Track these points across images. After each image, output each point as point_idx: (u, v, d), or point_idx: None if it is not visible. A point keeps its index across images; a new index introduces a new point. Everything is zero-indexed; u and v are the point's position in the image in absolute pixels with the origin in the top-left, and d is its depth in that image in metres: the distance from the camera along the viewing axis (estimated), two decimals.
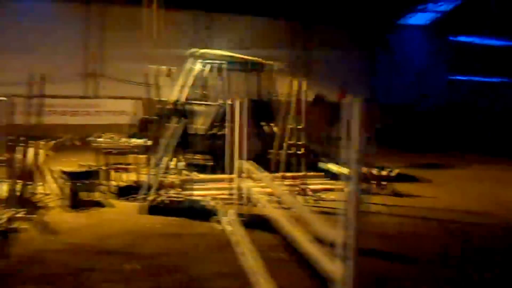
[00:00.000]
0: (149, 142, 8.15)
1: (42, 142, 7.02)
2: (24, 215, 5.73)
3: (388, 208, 7.08)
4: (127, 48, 15.69)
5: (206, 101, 9.78)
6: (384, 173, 8.35)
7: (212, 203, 6.68)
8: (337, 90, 14.80)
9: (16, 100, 6.36)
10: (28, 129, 6.50)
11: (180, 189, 7.11)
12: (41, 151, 6.76)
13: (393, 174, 8.54)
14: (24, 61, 15.05)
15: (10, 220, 5.48)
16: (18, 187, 6.01)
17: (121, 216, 6.33)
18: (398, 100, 18.74)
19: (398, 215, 6.77)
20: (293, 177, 7.78)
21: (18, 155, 6.15)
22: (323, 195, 7.72)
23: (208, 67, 9.96)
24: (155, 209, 6.35)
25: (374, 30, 19.77)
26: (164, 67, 9.77)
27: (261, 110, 9.39)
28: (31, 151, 6.50)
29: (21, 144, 6.30)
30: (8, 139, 5.92)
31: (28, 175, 6.23)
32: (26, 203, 6.03)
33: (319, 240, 3.13)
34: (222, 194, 7.08)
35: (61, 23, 16.30)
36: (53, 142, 7.61)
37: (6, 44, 15.54)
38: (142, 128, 9.36)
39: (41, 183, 6.94)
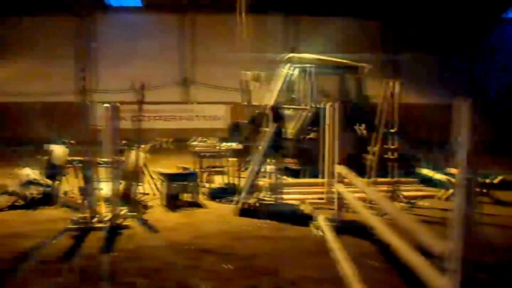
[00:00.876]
0: (240, 146, 8.33)
1: (142, 146, 7.47)
2: (127, 213, 6.13)
3: (491, 218, 6.54)
4: (219, 54, 16.27)
5: (295, 105, 9.77)
6: (487, 180, 7.73)
7: (303, 207, 6.64)
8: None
9: (120, 106, 6.84)
10: (131, 133, 6.96)
11: (270, 193, 7.17)
12: (142, 154, 7.19)
13: (495, 181, 7.89)
14: (126, 70, 16.27)
15: (115, 217, 5.89)
16: (122, 187, 6.44)
17: (214, 217, 6.54)
18: (499, 100, 17.28)
19: (504, 226, 6.22)
20: (386, 183, 7.49)
21: (122, 158, 6.60)
22: (419, 202, 7.35)
23: (297, 71, 9.94)
24: (246, 212, 6.48)
25: (474, 27, 18.46)
26: (253, 72, 9.95)
27: (353, 113, 9.18)
28: (133, 154, 6.95)
29: (124, 147, 6.76)
30: (114, 142, 6.37)
31: (130, 176, 6.67)
32: (129, 201, 6.45)
33: (422, 250, 2.96)
34: (313, 198, 7.02)
35: (157, 33, 17.33)
36: (149, 145, 8.06)
37: (110, 55, 16.86)
38: (233, 132, 9.59)
39: (140, 184, 7.38)
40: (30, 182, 6.82)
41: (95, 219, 5.86)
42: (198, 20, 17.71)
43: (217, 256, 4.90)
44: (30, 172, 6.95)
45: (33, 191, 6.81)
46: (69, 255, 4.97)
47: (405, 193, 7.49)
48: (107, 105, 6.93)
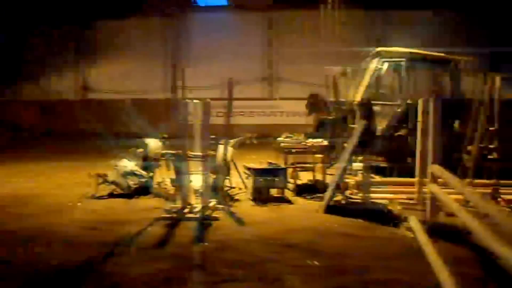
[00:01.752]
0: (326, 142, 8.25)
1: (230, 141, 7.67)
2: (216, 205, 6.35)
3: None
4: (303, 50, 16.24)
5: (384, 101, 9.44)
6: None
7: (391, 207, 6.42)
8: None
9: (210, 102, 7.07)
10: (218, 128, 7.17)
11: (357, 190, 7.02)
12: (230, 148, 7.39)
13: None
14: (213, 67, 16.85)
15: (205, 208, 6.13)
16: (211, 180, 6.67)
17: (300, 213, 6.55)
18: None
19: None
20: (484, 185, 7.00)
21: (211, 152, 6.84)
22: None
23: (387, 65, 9.58)
24: (333, 209, 6.40)
25: None
26: (339, 67, 9.78)
27: (449, 109, 8.68)
28: (221, 148, 7.17)
29: (213, 142, 7.00)
30: (204, 137, 6.62)
31: (219, 169, 6.89)
32: (218, 194, 6.67)
33: None
34: (402, 198, 6.76)
35: (243, 30, 17.68)
36: (236, 140, 8.25)
37: (198, 53, 17.52)
38: (319, 128, 9.51)
39: (228, 177, 7.60)
40: (129, 173, 7.32)
41: (186, 210, 6.15)
42: (283, 16, 17.78)
43: (303, 252, 4.90)
44: (127, 164, 7.45)
45: (131, 182, 7.31)
46: (164, 243, 5.27)
47: (506, 197, 6.94)
48: (197, 101, 7.22)
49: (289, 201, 7.12)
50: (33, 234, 5.64)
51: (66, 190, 8.06)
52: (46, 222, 6.11)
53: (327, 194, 6.61)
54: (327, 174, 7.79)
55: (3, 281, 4.26)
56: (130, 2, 17.33)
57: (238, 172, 7.92)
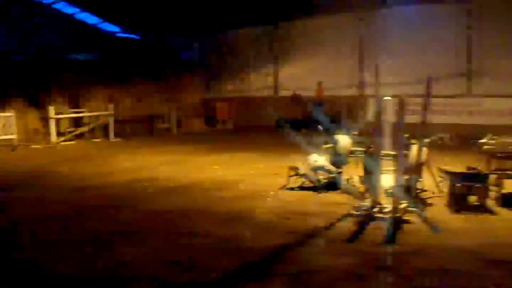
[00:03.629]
0: None
1: (425, 140, 7.21)
2: (407, 207, 6.07)
3: None
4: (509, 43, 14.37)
5: None
6: None
7: None
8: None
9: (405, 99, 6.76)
10: (410, 126, 6.79)
11: None
12: (424, 149, 6.96)
13: None
14: (405, 63, 16.12)
15: (396, 209, 5.91)
16: (403, 180, 6.38)
17: (501, 225, 5.79)
18: None
19: None
20: None
21: (406, 151, 6.55)
22: None
23: None
24: None
25: None
26: None
27: None
28: (415, 148, 6.80)
29: (408, 141, 6.69)
30: (398, 136, 6.37)
31: (412, 170, 6.55)
32: (409, 196, 6.35)
33: None
34: None
35: (436, 24, 16.42)
36: (429, 140, 7.70)
37: (391, 48, 16.93)
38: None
39: (420, 179, 7.17)
40: (319, 168, 7.54)
41: (375, 209, 6.03)
42: (484, 6, 15.89)
43: (508, 269, 4.34)
44: (318, 159, 7.67)
45: (321, 176, 7.51)
46: (352, 239, 5.29)
47: None
48: (388, 98, 6.99)
49: (490, 212, 6.36)
50: (232, 216, 6.29)
51: (259, 179, 8.74)
52: (243, 207, 6.74)
53: None
54: None
55: (216, 258, 4.85)
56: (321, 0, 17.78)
57: (432, 174, 7.41)
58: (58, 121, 15.75)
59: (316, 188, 7.49)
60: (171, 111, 19.34)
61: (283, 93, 20.38)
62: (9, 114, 14.50)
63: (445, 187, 6.84)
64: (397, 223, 5.64)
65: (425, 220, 5.82)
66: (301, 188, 7.73)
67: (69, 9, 23.61)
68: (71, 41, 21.13)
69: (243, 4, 19.03)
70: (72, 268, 4.57)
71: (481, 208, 6.39)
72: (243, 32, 21.31)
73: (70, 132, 15.95)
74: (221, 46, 22.39)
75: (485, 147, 7.38)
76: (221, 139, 16.73)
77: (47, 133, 15.40)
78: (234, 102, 21.34)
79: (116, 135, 16.64)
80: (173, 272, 4.44)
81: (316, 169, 7.54)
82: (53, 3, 22.99)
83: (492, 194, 6.84)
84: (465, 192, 6.48)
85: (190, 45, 23.38)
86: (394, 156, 6.35)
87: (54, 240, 5.45)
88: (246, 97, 21.35)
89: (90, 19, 24.54)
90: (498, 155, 7.28)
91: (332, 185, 7.45)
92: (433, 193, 7.24)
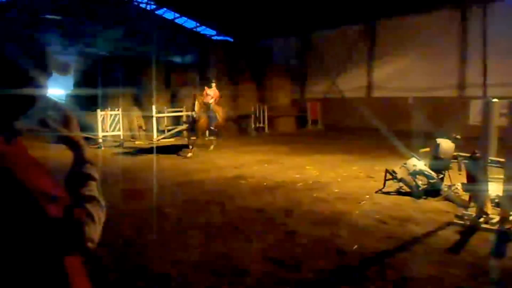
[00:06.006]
0: None
1: None
2: None
3: None
4: None
5: None
6: None
7: None
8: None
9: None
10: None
11: None
12: None
13: None
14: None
15: (504, 220, 5.57)
16: None
17: None
18: None
19: None
20: None
21: None
22: None
23: None
24: None
25: None
26: None
27: None
28: None
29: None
30: (507, 141, 5.98)
31: None
32: None
33: None
34: None
35: None
36: None
37: (495, 46, 15.77)
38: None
39: None
40: (418, 172, 7.31)
41: (481, 219, 5.74)
42: None
43: None
44: (417, 163, 7.44)
45: (420, 181, 7.28)
46: (456, 249, 5.09)
47: None
48: (495, 100, 6.56)
49: None
50: (332, 216, 6.35)
51: (353, 182, 8.67)
52: (336, 209, 6.76)
53: None
54: None
55: (314, 259, 4.96)
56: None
57: None
58: (158, 119, 16.83)
59: (413, 193, 7.27)
60: (264, 111, 19.76)
61: (377, 93, 19.90)
62: (117, 112, 15.72)
63: None
64: (506, 235, 5.33)
65: None
66: (398, 193, 7.55)
67: (170, 15, 25.18)
68: (174, 44, 22.60)
69: (333, 4, 18.88)
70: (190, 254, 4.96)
71: None
72: (335, 32, 21.16)
73: (169, 130, 16.96)
74: (313, 46, 22.42)
75: None
76: (312, 139, 16.77)
77: (149, 131, 16.55)
78: (325, 102, 21.26)
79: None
80: (276, 269, 4.60)
81: (415, 173, 7.32)
82: (157, 9, 24.66)
83: None
84: None
85: (283, 46, 23.69)
86: (502, 163, 5.97)
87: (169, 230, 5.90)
88: (338, 98, 21.16)
89: (189, 23, 25.96)
90: None
91: (432, 191, 7.19)
92: None
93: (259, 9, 20.82)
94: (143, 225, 6.06)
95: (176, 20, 25.61)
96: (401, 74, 18.53)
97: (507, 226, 5.48)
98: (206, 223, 6.15)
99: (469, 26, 16.71)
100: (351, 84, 20.78)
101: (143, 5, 24.43)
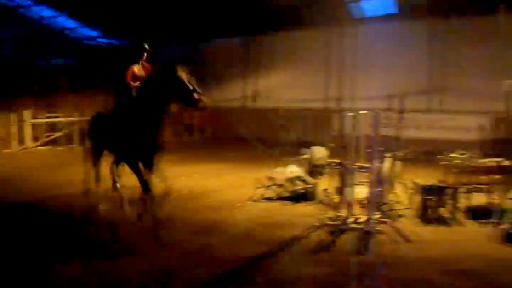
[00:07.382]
0: (507, 162, 7.43)
1: (397, 154, 7.45)
2: (380, 219, 6.26)
3: None
4: (474, 61, 14.95)
5: None
6: None
7: None
8: None
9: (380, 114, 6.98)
10: (386, 140, 7.02)
11: None
12: (397, 162, 7.20)
13: None
14: (374, 78, 16.70)
15: (369, 220, 6.09)
16: (376, 192, 6.58)
17: (471, 237, 6.04)
18: None
19: None
20: None
21: (377, 164, 6.75)
22: None
23: None
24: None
25: None
26: None
27: None
28: (388, 161, 7.02)
29: (381, 154, 6.90)
30: (372, 149, 6.57)
31: (385, 182, 6.76)
32: (381, 208, 6.56)
33: None
34: None
35: (407, 40, 16.90)
36: (401, 153, 7.95)
37: (362, 63, 17.40)
38: (496, 146, 8.64)
39: (393, 192, 7.40)
40: (296, 178, 7.69)
41: (350, 220, 6.21)
42: (452, 25, 16.38)
43: (478, 281, 4.56)
44: (295, 169, 7.83)
45: (298, 187, 7.66)
46: (326, 249, 5.44)
47: None
48: (362, 111, 7.19)
49: (457, 225, 6.62)
50: (207, 225, 6.35)
51: (236, 190, 8.75)
52: (219, 217, 6.79)
53: (507, 221, 5.98)
54: (507, 198, 7.01)
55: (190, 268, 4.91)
56: (293, 15, 18.13)
57: (403, 187, 7.65)
58: (34, 126, 15.45)
59: (292, 198, 7.62)
60: None
61: (259, 104, 20.67)
62: None
63: (416, 199, 7.07)
64: (370, 233, 5.82)
65: (397, 231, 6.02)
66: (278, 198, 7.84)
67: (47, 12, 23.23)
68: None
69: (217, 16, 19.36)
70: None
71: (449, 221, 6.65)
72: (221, 42, 21.60)
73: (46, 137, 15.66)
74: (201, 55, 22.51)
75: (453, 162, 7.68)
76: (195, 149, 16.69)
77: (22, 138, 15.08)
78: (214, 111, 21.39)
79: None
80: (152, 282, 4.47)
81: (292, 179, 7.69)
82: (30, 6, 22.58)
83: (461, 207, 7.13)
84: (434, 205, 6.73)
85: (172, 55, 23.40)
86: (368, 168, 6.53)
87: None
88: (225, 107, 21.47)
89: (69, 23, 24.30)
90: (466, 169, 7.58)
91: (308, 196, 7.60)
92: (406, 205, 7.47)
93: (146, 14, 20.40)
94: None
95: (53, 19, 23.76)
96: (279, 86, 19.64)
97: (371, 225, 5.99)
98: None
99: (333, 45, 18.26)
100: (235, 93, 21.31)
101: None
